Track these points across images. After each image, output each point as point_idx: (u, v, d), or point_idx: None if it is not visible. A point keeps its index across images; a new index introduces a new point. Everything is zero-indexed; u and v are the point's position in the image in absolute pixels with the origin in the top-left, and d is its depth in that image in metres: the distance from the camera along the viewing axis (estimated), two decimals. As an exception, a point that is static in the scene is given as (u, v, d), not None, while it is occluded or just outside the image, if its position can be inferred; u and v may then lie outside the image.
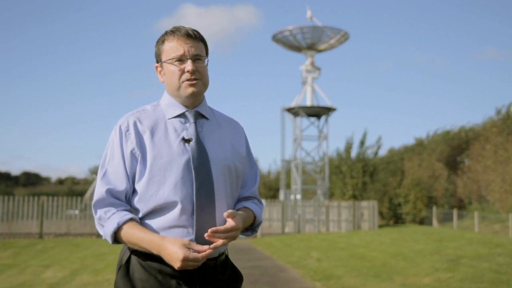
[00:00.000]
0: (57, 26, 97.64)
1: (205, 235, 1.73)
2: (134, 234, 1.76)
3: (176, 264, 1.68)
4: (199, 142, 1.87)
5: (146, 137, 1.85)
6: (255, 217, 1.99)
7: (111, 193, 1.83)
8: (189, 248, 1.69)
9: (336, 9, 78.28)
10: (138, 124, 1.87)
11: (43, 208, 18.01)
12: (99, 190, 1.84)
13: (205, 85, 1.93)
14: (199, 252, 1.69)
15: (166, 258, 1.71)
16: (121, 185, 1.83)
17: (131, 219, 1.79)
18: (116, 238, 1.80)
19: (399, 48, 78.38)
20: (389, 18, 79.74)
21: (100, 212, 1.83)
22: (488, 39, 75.26)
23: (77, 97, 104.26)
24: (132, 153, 1.83)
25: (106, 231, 1.80)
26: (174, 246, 1.69)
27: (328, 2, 76.19)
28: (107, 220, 1.80)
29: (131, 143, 1.84)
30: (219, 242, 1.74)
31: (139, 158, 1.83)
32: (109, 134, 1.92)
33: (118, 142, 1.86)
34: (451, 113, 74.50)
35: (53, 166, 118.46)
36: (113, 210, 1.81)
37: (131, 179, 1.85)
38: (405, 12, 78.66)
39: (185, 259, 1.66)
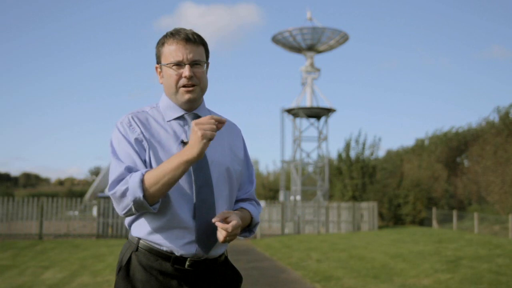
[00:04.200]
0: (57, 27, 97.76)
1: (214, 220, 1.72)
2: (158, 168, 1.70)
3: (200, 132, 1.64)
4: None
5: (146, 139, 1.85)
6: (252, 218, 1.99)
7: (130, 170, 1.76)
8: None
9: (335, 10, 78.41)
10: (138, 123, 1.87)
11: (43, 209, 17.99)
12: (117, 169, 1.76)
13: (202, 90, 1.92)
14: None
15: (192, 143, 1.66)
16: (137, 165, 1.78)
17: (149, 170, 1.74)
18: (144, 187, 1.69)
19: (399, 49, 78.52)
20: (389, 19, 79.90)
21: (119, 186, 1.73)
22: (490, 40, 75.52)
23: (77, 98, 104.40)
24: (138, 141, 1.81)
25: (132, 184, 1.69)
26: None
27: (328, 3, 76.27)
28: (129, 181, 1.71)
29: (136, 133, 1.82)
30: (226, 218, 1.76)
31: (146, 147, 1.81)
32: (109, 135, 1.91)
33: (124, 132, 1.83)
34: (451, 114, 74.68)
35: (53, 167, 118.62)
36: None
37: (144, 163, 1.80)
38: (404, 13, 78.81)
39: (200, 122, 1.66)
